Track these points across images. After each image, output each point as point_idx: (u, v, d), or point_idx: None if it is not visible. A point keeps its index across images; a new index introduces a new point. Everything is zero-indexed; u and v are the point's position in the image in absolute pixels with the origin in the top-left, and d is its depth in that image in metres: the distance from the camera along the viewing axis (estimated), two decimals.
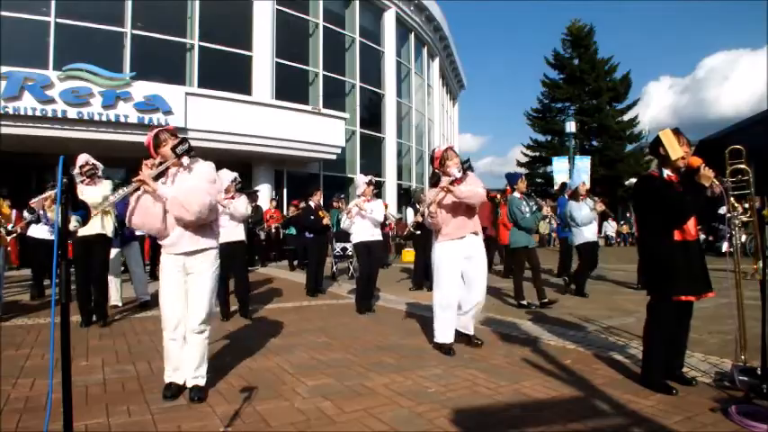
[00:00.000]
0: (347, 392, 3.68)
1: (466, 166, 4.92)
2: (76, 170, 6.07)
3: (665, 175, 3.77)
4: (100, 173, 6.22)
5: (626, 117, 38.71)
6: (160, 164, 3.53)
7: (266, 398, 3.55)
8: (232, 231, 6.47)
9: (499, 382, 3.89)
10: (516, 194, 7.61)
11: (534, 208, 7.56)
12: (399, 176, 23.35)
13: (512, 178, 7.90)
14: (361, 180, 7.26)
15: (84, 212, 6.94)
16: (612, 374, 4.05)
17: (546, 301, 7.39)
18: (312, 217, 8.87)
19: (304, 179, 18.38)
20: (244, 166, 15.74)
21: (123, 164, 12.79)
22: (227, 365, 4.33)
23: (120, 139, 13.00)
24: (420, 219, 9.26)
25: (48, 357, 4.58)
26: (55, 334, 2.04)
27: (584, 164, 24.97)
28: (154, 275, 10.88)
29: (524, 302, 7.33)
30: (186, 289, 3.63)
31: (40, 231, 8.02)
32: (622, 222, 30.76)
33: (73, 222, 7.61)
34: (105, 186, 6.13)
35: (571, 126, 23.57)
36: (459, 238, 4.89)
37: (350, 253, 11.04)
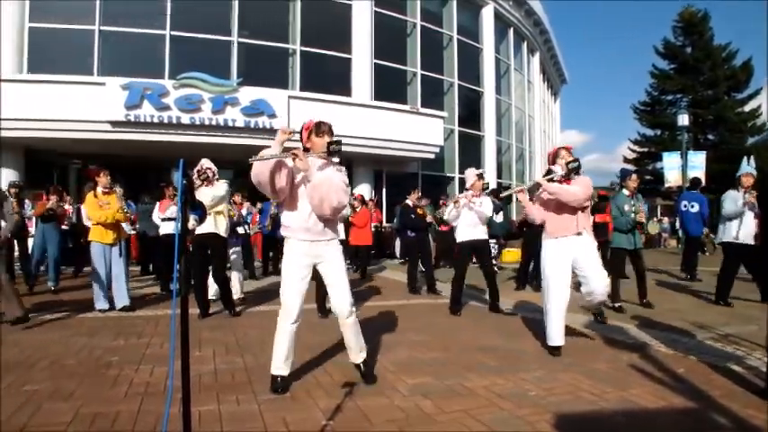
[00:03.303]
0: (447, 392, 3.66)
1: (570, 167, 4.76)
2: (194, 172, 6.47)
3: None
4: (213, 176, 6.54)
5: (747, 107, 35.84)
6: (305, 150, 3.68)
7: (367, 394, 3.61)
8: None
9: (604, 387, 3.73)
10: (625, 192, 7.26)
11: (634, 208, 7.16)
12: (499, 175, 22.94)
13: (622, 174, 7.57)
14: (471, 173, 7.09)
15: (201, 212, 7.29)
16: (731, 386, 3.76)
17: (646, 301, 7.20)
18: (413, 216, 8.95)
19: (403, 179, 18.50)
20: (344, 166, 16.05)
21: (231, 166, 13.37)
22: (330, 360, 4.44)
23: (229, 142, 13.68)
24: (522, 217, 9.10)
25: (166, 346, 4.89)
26: (175, 325, 2.17)
27: (697, 159, 23.39)
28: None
29: (618, 305, 6.95)
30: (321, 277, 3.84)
31: (168, 227, 8.49)
32: None
33: (191, 221, 8.06)
34: (221, 187, 6.50)
35: (684, 119, 21.98)
36: (563, 237, 4.78)
37: None
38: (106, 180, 6.82)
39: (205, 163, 6.49)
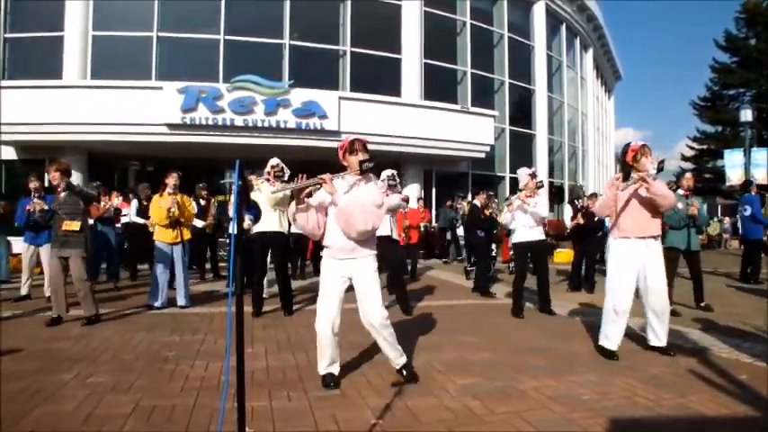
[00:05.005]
0: (496, 393, 3.63)
1: (660, 167, 4.64)
2: (267, 169, 6.68)
3: None
4: (284, 175, 6.71)
5: None
6: (341, 170, 3.81)
7: (416, 394, 3.61)
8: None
9: (661, 393, 3.62)
10: (680, 191, 7.03)
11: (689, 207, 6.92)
12: (551, 174, 22.53)
13: (678, 174, 7.44)
14: (523, 172, 6.96)
15: (256, 211, 7.43)
16: None
17: (704, 304, 7.03)
18: (482, 216, 9.11)
19: (453, 178, 18.43)
20: (394, 166, 16.06)
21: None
22: (380, 359, 4.45)
23: (280, 143, 13.88)
24: (581, 221, 8.94)
25: (220, 343, 5.01)
26: (227, 322, 2.24)
27: (762, 156, 22.42)
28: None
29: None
30: (349, 290, 3.85)
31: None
32: None
33: (247, 221, 8.19)
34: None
35: (747, 114, 21.03)
36: (638, 238, 4.63)
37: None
38: (172, 181, 7.05)
39: (280, 162, 6.71)
